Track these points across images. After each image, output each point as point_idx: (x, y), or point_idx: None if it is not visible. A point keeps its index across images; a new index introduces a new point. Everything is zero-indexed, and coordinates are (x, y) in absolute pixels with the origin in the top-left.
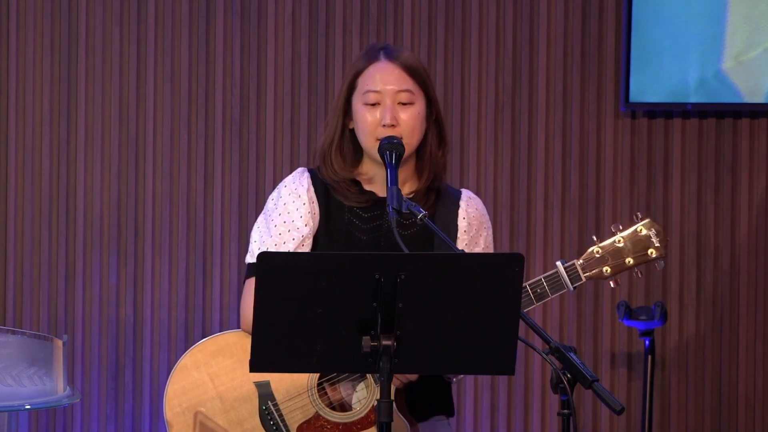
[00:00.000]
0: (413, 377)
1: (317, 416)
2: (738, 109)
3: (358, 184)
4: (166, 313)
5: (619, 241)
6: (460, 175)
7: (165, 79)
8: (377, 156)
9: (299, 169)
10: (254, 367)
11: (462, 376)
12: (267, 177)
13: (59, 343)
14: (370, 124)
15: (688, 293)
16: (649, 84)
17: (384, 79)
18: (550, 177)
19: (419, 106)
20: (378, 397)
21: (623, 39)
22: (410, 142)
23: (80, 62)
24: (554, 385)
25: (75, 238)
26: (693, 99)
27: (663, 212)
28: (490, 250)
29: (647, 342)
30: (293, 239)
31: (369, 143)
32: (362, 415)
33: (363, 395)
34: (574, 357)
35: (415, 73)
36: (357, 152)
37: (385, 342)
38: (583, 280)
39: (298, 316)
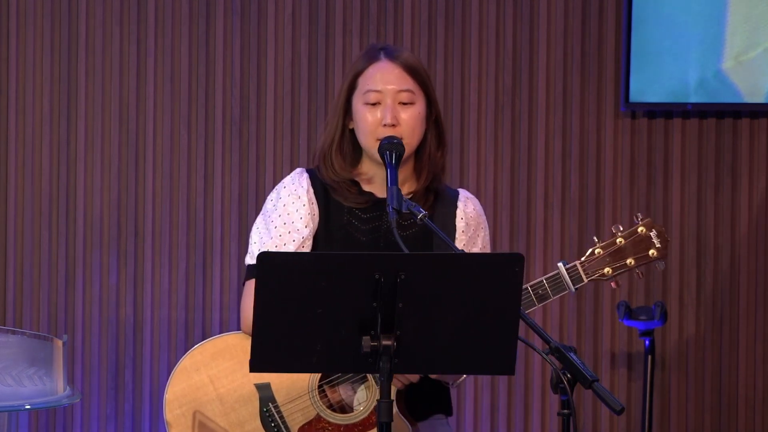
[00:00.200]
0: (414, 378)
1: (318, 418)
2: (738, 109)
3: (357, 184)
4: (166, 313)
5: (620, 241)
6: (460, 175)
7: (165, 79)
8: (377, 156)
9: (298, 170)
10: (254, 366)
11: (460, 381)
12: (267, 177)
13: (59, 343)
14: (370, 123)
15: (688, 293)
16: (649, 84)
17: (385, 79)
18: (550, 177)
19: (420, 106)
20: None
21: (623, 39)
22: (410, 142)
23: (80, 62)
24: (554, 385)
25: (75, 238)
26: (693, 99)
27: (663, 212)
28: (488, 250)
29: (647, 342)
30: (293, 241)
31: (369, 143)
32: (363, 416)
33: (363, 397)
34: (574, 357)
35: (415, 73)
36: (357, 152)
37: (385, 342)
38: (585, 281)
39: (298, 316)
